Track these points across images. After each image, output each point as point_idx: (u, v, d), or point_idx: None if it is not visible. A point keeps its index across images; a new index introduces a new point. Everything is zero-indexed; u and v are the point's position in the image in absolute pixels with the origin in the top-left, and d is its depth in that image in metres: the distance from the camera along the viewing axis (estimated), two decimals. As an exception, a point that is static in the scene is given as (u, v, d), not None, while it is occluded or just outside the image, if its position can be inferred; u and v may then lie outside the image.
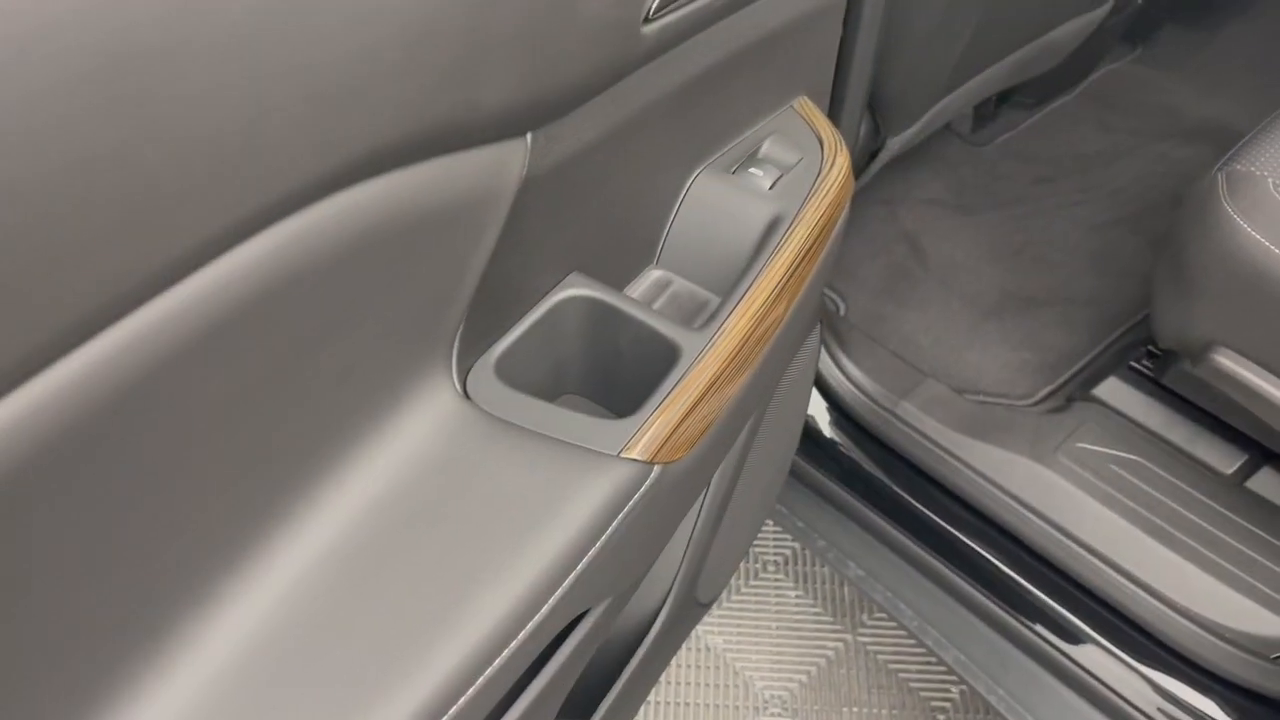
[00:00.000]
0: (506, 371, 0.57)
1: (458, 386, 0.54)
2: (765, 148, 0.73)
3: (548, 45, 0.49)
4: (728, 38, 0.65)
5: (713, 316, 0.62)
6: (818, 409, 1.25)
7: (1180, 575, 1.03)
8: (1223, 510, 1.08)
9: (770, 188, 0.70)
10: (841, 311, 1.34)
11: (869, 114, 1.16)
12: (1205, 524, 1.07)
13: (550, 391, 0.65)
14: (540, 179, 0.53)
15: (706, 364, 0.60)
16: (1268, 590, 1.01)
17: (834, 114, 1.00)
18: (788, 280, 0.68)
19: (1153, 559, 1.05)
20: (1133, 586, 1.04)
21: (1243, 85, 1.72)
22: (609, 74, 0.54)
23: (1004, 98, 1.61)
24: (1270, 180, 0.96)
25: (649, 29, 0.55)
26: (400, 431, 0.52)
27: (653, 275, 0.71)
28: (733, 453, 0.80)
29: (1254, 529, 1.07)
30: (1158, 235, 1.44)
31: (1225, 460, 1.13)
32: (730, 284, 0.67)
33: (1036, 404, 1.24)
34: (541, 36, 0.48)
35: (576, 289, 0.61)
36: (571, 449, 0.53)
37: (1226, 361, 0.97)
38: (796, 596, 1.47)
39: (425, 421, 0.52)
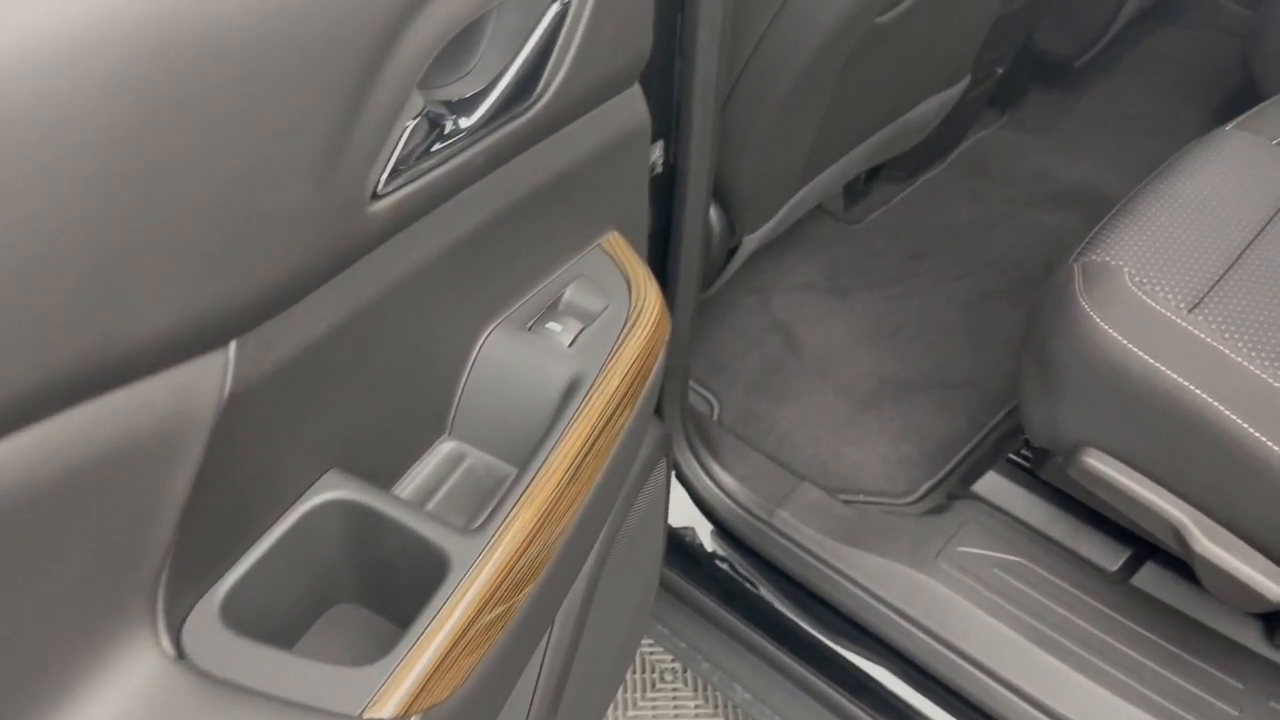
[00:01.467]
0: (238, 608, 0.48)
1: (165, 644, 0.45)
2: (567, 296, 0.66)
3: (232, 245, 0.41)
4: (509, 185, 0.58)
5: (493, 513, 0.54)
6: (695, 521, 1.18)
7: (1069, 687, 0.98)
8: (1109, 612, 1.03)
9: (571, 343, 0.63)
10: (714, 413, 1.28)
11: (723, 213, 1.11)
12: (1092, 628, 1.02)
13: (315, 606, 0.56)
14: (258, 387, 0.45)
15: (483, 573, 0.52)
16: (1158, 699, 0.96)
17: (676, 222, 0.94)
18: (591, 447, 0.60)
19: (1040, 671, 0.99)
20: (1021, 702, 0.98)
21: (1108, 146, 1.73)
22: (331, 262, 0.46)
23: (875, 173, 1.58)
24: (1126, 271, 0.92)
25: (379, 206, 0.47)
26: (89, 711, 0.43)
27: (445, 448, 0.63)
28: (566, 624, 0.71)
29: (1141, 630, 1.02)
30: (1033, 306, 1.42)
31: (1109, 557, 1.08)
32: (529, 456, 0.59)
33: (917, 501, 1.18)
34: (220, 237, 0.40)
35: (331, 492, 0.53)
36: (304, 714, 0.45)
37: (1096, 463, 0.92)
38: (696, 706, 1.38)
39: (123, 694, 0.43)
